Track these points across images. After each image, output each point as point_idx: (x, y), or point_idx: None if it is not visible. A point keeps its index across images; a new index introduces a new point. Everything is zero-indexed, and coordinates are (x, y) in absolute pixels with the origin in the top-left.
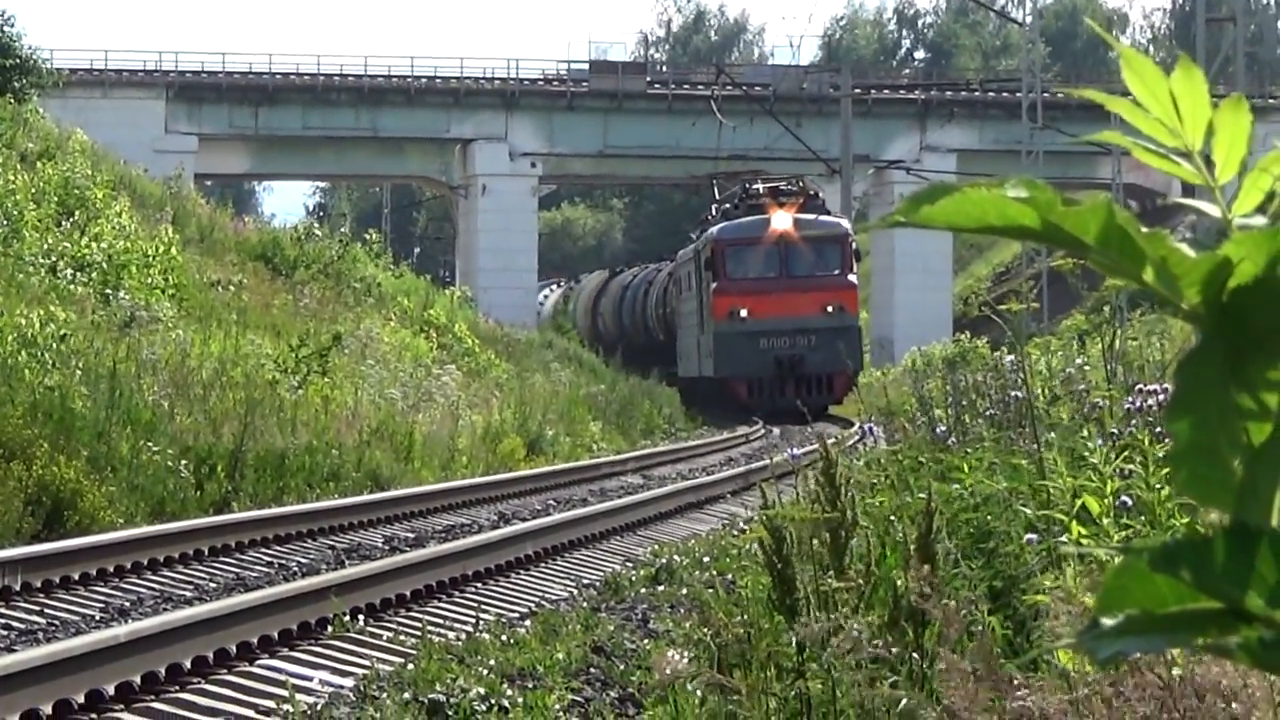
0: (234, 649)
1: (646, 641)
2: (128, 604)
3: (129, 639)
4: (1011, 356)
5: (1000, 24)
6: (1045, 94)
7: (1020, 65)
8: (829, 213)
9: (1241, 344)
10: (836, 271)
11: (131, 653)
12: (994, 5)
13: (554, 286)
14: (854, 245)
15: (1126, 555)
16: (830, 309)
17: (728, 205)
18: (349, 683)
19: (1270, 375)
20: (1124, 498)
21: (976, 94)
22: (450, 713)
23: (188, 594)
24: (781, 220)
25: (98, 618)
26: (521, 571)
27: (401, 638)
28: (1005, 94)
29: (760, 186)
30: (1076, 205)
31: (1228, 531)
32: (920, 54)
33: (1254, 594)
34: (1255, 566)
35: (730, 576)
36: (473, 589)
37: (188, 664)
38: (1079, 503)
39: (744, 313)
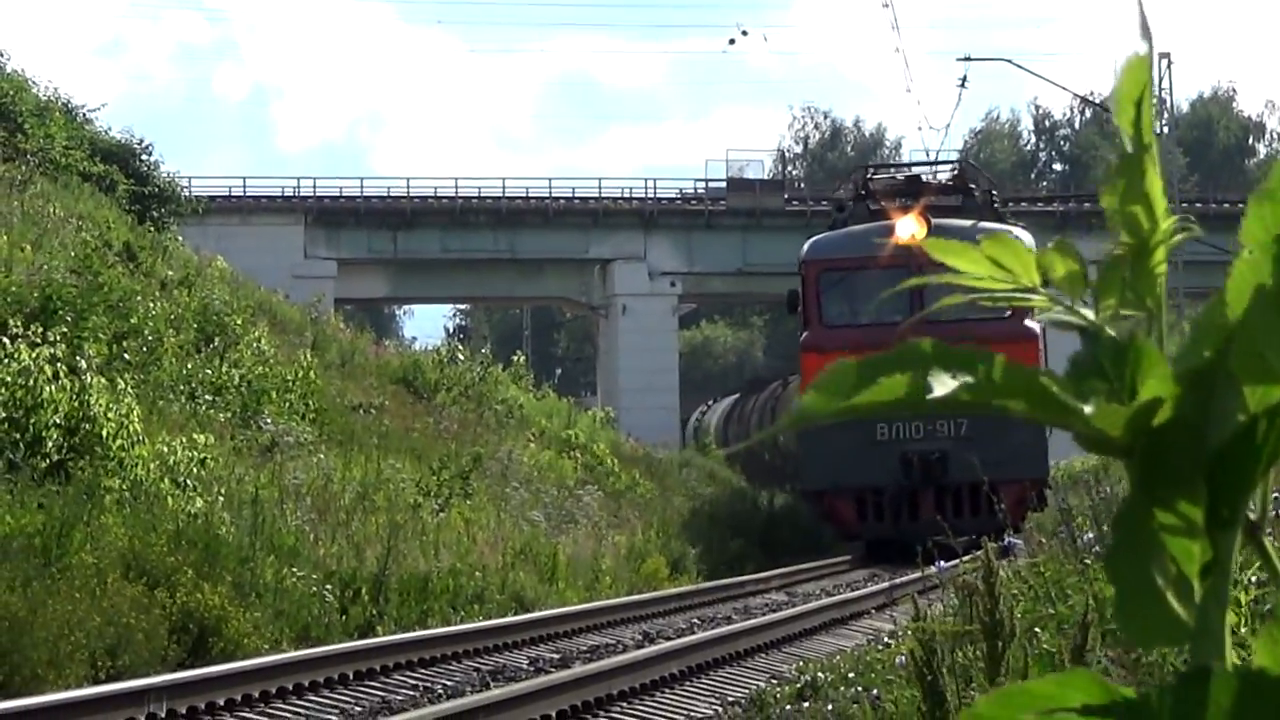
0: None
1: None
2: None
3: None
4: None
5: None
6: (1184, 203)
7: None
8: (1000, 218)
9: (1162, 482)
10: (1007, 314)
11: None
12: None
13: None
14: None
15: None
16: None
17: (836, 209)
18: None
19: (1188, 509)
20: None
21: None
22: None
23: (333, 719)
24: (911, 227)
25: None
26: (666, 690)
27: None
28: None
29: (884, 175)
30: (1008, 383)
31: (1184, 677)
32: (1058, 165)
33: None
34: (1209, 708)
35: (876, 692)
36: (618, 708)
37: None
38: None
39: None
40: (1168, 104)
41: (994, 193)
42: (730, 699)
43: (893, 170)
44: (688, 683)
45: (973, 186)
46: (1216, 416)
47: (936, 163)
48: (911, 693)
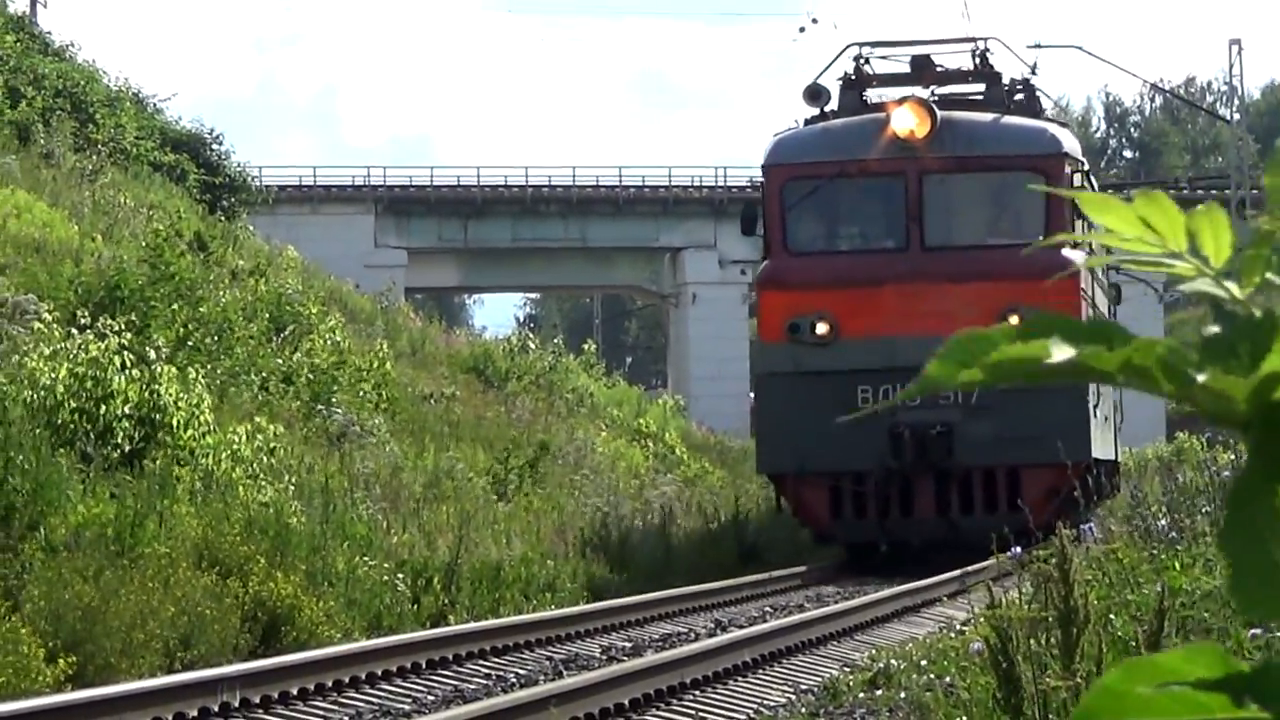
0: None
1: None
2: (346, 719)
3: None
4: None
5: (1209, 121)
6: (1255, 190)
7: (1228, 162)
8: (1035, 113)
9: None
10: (1038, 236)
11: None
12: (1202, 103)
13: None
14: (1079, 182)
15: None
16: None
17: (809, 98)
18: None
19: None
20: None
21: (1185, 192)
22: None
23: (406, 708)
24: (907, 120)
25: None
26: (739, 678)
27: None
28: (1214, 191)
29: (881, 54)
30: (1126, 348)
31: None
32: (1129, 153)
33: None
34: None
35: (949, 679)
36: (690, 697)
37: None
38: None
39: (822, 327)
40: (1239, 91)
41: (1030, 80)
42: (803, 687)
43: (896, 50)
44: (760, 671)
45: (1000, 73)
46: None
47: (954, 40)
48: (986, 680)
